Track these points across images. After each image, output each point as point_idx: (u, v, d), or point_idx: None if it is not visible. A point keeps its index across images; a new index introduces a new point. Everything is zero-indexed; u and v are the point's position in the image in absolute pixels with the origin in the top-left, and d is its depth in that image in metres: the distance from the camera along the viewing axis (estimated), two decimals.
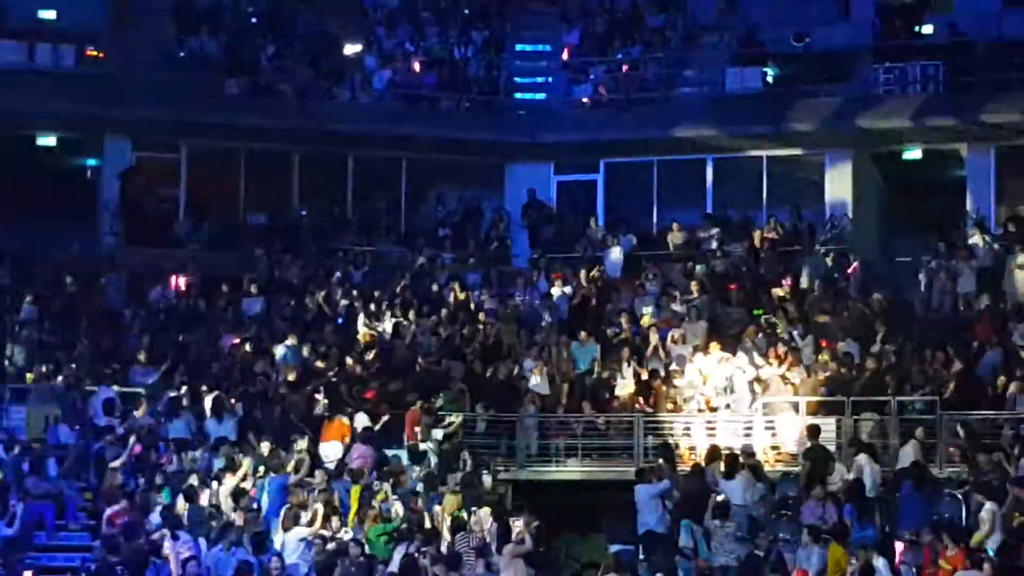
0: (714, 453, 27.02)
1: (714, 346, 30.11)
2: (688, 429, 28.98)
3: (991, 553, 22.59)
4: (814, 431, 27.06)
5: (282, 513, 24.53)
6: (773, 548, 24.51)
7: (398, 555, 23.49)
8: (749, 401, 29.16)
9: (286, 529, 24.15)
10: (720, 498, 25.09)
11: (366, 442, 27.37)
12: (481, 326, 32.31)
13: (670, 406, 29.40)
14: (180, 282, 33.96)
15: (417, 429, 28.23)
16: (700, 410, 29.31)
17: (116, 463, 26.69)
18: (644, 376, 29.91)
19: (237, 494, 25.25)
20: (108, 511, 25.18)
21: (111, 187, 37.06)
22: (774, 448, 28.56)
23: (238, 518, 24.37)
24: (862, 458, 26.25)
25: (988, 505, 23.84)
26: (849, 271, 33.80)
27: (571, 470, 29.28)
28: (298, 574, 23.33)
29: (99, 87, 36.39)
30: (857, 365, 29.42)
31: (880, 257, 35.37)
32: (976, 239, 33.31)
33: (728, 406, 29.24)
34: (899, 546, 23.78)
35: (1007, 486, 24.12)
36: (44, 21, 37.30)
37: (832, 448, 27.17)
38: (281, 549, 23.67)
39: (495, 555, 23.64)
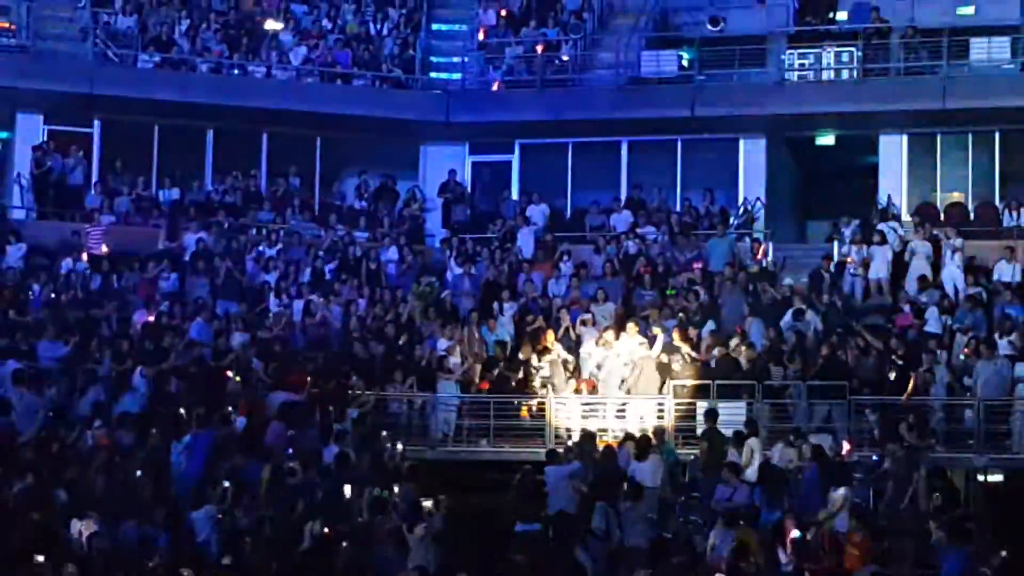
0: (627, 435, 27.05)
1: (631, 328, 30.08)
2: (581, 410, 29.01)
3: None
4: (711, 414, 27.18)
5: (191, 492, 24.24)
6: (682, 531, 24.57)
7: (309, 532, 23.26)
8: (617, 384, 29.16)
9: (195, 507, 23.84)
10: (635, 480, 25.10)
11: (281, 420, 27.08)
12: (395, 305, 32.18)
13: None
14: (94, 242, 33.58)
15: (331, 408, 28.01)
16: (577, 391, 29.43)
17: (23, 438, 26.23)
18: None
19: (152, 467, 24.94)
20: (16, 487, 24.69)
21: (23, 161, 36.56)
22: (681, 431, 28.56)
23: (150, 493, 24.02)
24: (753, 441, 26.33)
25: (842, 491, 24.11)
26: (759, 255, 33.89)
27: (483, 450, 29.18)
28: (209, 553, 23.01)
29: (11, 60, 35.90)
30: (765, 348, 29.53)
31: (792, 241, 35.46)
32: (883, 227, 33.47)
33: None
34: (794, 532, 23.72)
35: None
36: None
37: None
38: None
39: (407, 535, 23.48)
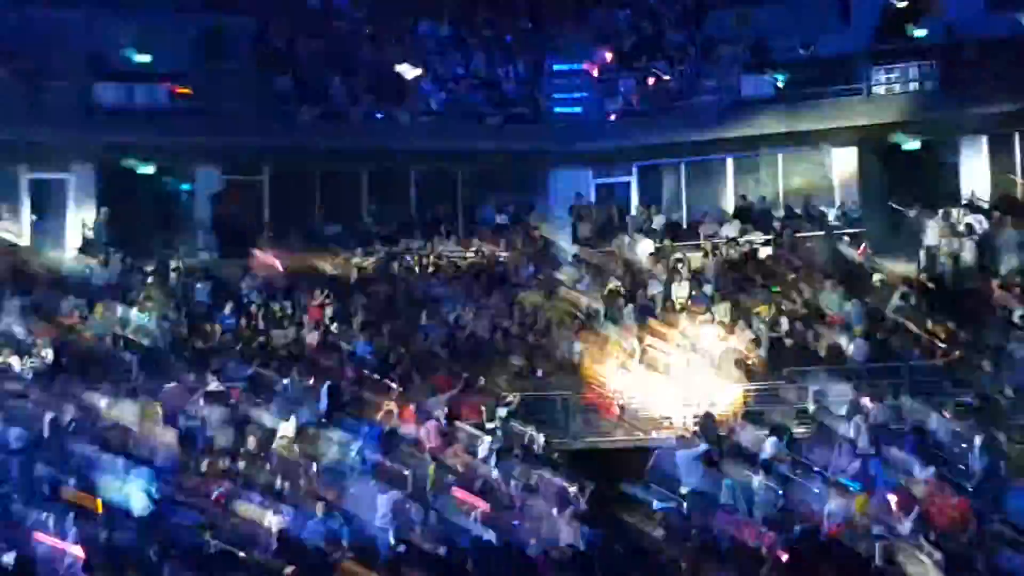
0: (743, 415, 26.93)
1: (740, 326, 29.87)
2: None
3: None
4: (820, 395, 27.01)
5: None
6: (802, 501, 24.26)
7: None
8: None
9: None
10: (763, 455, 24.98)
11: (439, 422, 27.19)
12: (534, 314, 32.23)
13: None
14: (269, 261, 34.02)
15: (483, 408, 28.05)
16: None
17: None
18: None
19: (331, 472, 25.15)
20: (215, 492, 24.89)
21: (203, 208, 37.07)
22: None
23: (329, 494, 24.14)
24: (858, 419, 25.97)
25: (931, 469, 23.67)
26: (859, 252, 33.47)
27: (618, 439, 29.04)
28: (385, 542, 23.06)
29: (189, 120, 36.40)
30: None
31: (886, 237, 34.93)
32: (970, 218, 32.95)
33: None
34: (892, 497, 23.28)
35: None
36: (140, 64, 37.25)
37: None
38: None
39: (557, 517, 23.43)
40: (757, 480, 24.15)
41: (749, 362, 28.90)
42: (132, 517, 23.01)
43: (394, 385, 28.79)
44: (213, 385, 28.35)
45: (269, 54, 38.90)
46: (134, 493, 23.31)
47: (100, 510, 22.83)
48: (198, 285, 33.72)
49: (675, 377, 29.22)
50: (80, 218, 35.92)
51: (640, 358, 29.81)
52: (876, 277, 31.60)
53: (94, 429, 26.44)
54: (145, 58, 37.20)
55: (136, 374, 29.90)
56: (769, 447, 25.28)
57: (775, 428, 25.92)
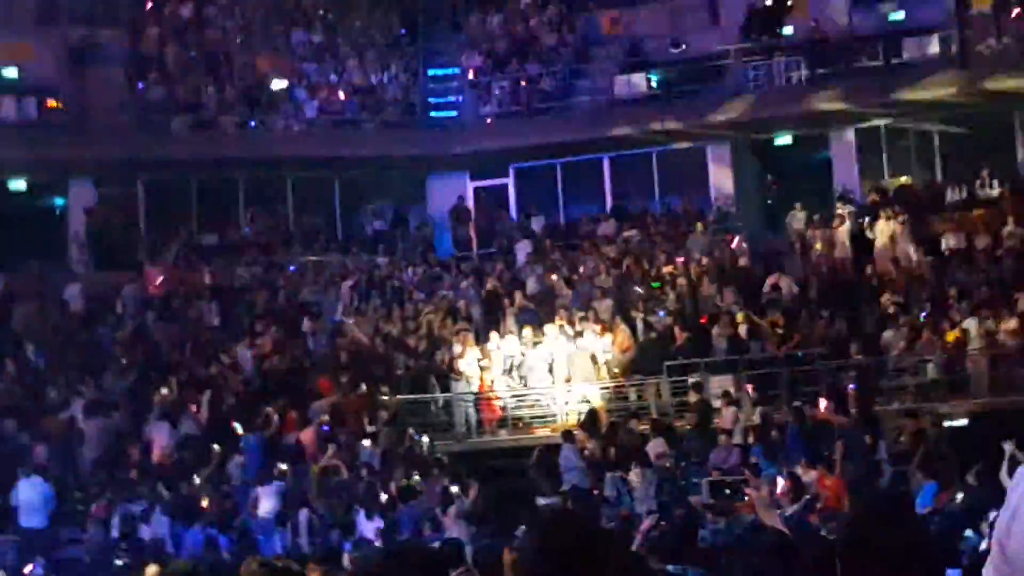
0: (631, 413, 27.04)
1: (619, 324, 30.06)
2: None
3: None
4: (697, 387, 27.13)
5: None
6: (680, 494, 24.46)
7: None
8: (543, 375, 29.20)
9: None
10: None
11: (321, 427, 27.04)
12: (418, 318, 32.12)
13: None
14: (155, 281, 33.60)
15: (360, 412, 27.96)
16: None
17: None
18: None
19: (212, 480, 24.93)
20: (93, 507, 24.60)
21: (78, 222, 36.51)
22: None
23: (208, 503, 23.94)
24: (731, 410, 26.25)
25: None
26: (733, 246, 33.77)
27: (502, 439, 29.07)
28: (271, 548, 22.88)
29: (61, 134, 35.83)
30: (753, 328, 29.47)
31: (761, 231, 35.33)
32: (842, 210, 33.39)
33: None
34: (780, 481, 23.54)
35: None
36: (6, 79, 36.65)
37: None
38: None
39: (442, 517, 23.41)
40: (635, 473, 24.31)
41: (630, 358, 29.07)
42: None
43: (275, 392, 28.60)
44: (91, 397, 28.02)
45: (140, 64, 38.42)
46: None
47: None
48: (68, 286, 33.16)
49: (557, 376, 29.29)
50: None
51: (521, 358, 29.85)
52: (744, 265, 31.96)
53: None
54: (12, 72, 36.61)
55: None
56: (654, 446, 25.45)
57: (658, 427, 26.06)
